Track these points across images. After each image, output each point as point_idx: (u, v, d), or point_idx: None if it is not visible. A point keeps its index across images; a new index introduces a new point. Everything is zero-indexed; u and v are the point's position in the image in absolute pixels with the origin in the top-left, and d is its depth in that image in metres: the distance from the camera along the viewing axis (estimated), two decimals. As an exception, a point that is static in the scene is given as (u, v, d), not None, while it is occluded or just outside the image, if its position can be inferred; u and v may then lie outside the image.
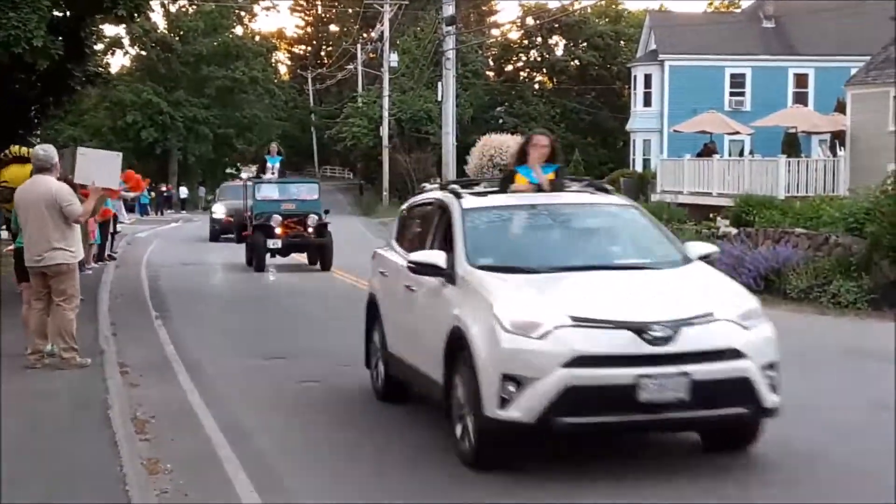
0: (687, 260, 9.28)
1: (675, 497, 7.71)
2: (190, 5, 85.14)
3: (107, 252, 27.55)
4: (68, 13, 21.05)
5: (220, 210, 40.53)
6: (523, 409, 7.79)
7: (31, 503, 7.30)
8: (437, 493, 7.95)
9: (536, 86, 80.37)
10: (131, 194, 29.44)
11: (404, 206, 12.05)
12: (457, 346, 8.47)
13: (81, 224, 12.59)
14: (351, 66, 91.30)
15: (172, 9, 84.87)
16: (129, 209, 44.66)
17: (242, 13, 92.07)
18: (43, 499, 7.38)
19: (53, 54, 18.44)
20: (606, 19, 78.50)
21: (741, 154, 42.89)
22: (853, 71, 37.49)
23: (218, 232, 39.31)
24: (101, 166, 13.45)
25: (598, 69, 75.07)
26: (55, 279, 12.04)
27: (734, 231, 24.41)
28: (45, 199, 11.84)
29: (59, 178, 12.30)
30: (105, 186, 13.42)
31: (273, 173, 28.51)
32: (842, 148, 33.58)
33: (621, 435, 8.91)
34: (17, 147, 16.98)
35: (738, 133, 43.49)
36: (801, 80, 55.05)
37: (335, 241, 26.81)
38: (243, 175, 64.39)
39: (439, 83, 42.48)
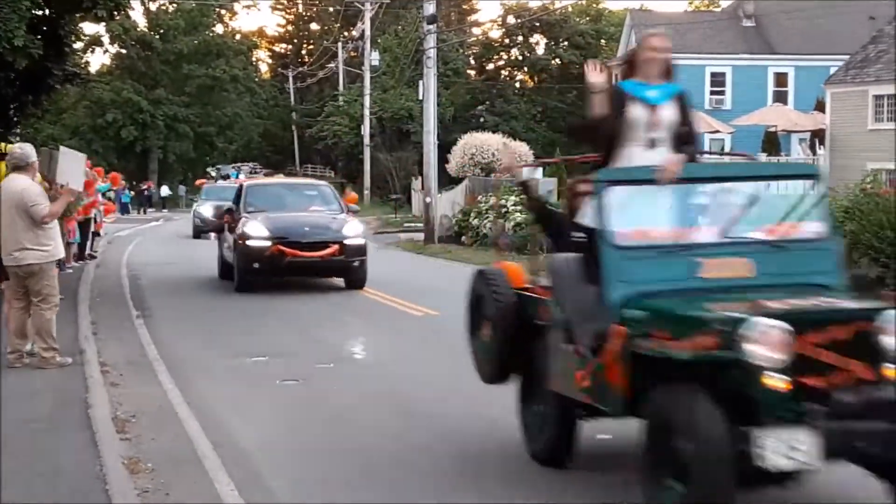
0: None
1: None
2: (170, 3, 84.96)
3: (87, 251, 27.49)
4: (48, 11, 20.96)
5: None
6: None
7: (10, 503, 7.28)
8: (423, 492, 7.97)
9: (518, 84, 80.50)
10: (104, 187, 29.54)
11: None
12: None
13: (53, 223, 12.49)
14: (332, 65, 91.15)
15: (152, 7, 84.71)
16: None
17: (223, 11, 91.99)
18: (23, 499, 7.36)
19: (33, 53, 18.37)
20: (587, 18, 78.68)
21: (721, 152, 43.01)
22: (833, 70, 37.69)
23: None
24: (73, 166, 13.45)
25: (580, 68, 74.97)
26: (29, 279, 11.99)
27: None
28: (14, 199, 11.79)
29: (39, 178, 12.26)
30: (73, 187, 13.39)
31: None
32: (821, 146, 33.77)
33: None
34: (3, 144, 16.96)
35: (718, 132, 43.61)
36: (780, 78, 55.26)
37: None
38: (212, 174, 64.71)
39: (420, 82, 42.47)
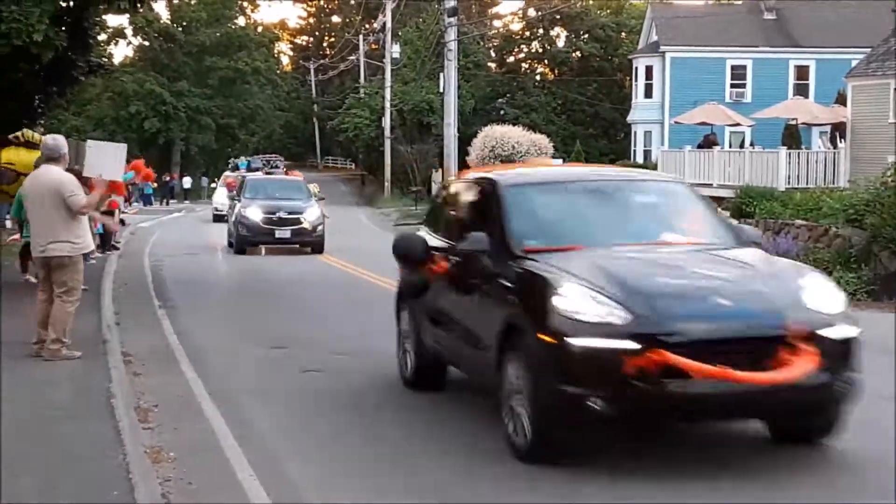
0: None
1: (672, 494, 7.75)
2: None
3: (112, 241, 27.64)
4: (72, 4, 21.08)
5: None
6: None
7: (34, 491, 7.36)
8: (443, 480, 8.03)
9: (538, 77, 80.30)
10: (140, 184, 29.92)
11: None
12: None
13: (87, 215, 12.57)
14: (353, 57, 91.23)
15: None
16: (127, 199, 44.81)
17: (245, 3, 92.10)
18: (46, 487, 7.44)
19: (57, 45, 18.47)
20: (608, 10, 78.45)
21: (741, 146, 42.94)
22: (854, 63, 37.53)
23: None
24: (108, 158, 13.47)
25: (600, 60, 75.02)
26: (57, 271, 11.99)
27: (735, 222, 24.45)
28: (50, 190, 11.79)
29: (66, 170, 12.30)
30: (111, 179, 13.42)
31: None
32: (842, 140, 33.62)
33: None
34: (30, 132, 16.98)
35: (738, 125, 43.55)
36: (801, 71, 55.03)
37: (338, 232, 27.12)
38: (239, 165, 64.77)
39: (441, 74, 42.53)
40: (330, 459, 8.71)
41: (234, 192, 33.91)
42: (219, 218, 42.33)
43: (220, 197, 45.32)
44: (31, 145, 16.63)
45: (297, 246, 29.63)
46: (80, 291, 12.47)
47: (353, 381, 11.83)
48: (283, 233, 29.28)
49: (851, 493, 7.77)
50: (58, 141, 12.37)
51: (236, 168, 60.80)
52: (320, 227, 29.68)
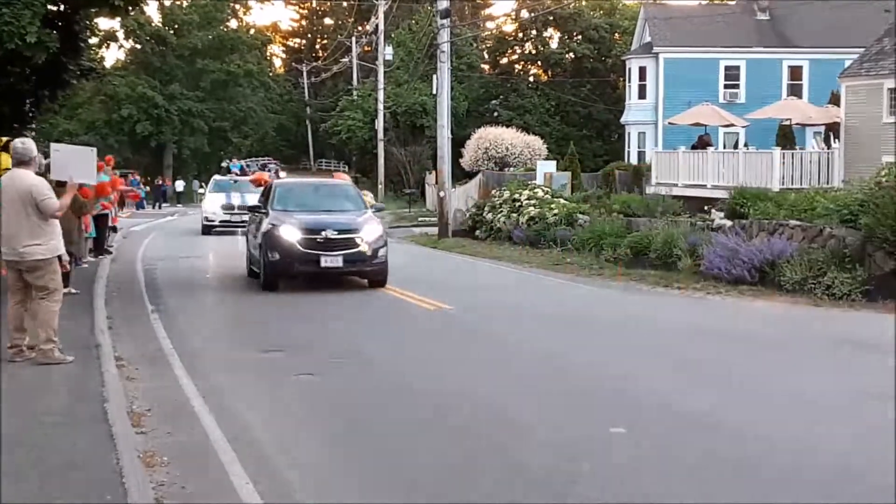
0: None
1: (670, 495, 7.74)
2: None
3: (105, 245, 27.59)
4: (62, 7, 21.04)
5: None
6: None
7: (27, 496, 7.32)
8: (437, 485, 8.00)
9: (531, 78, 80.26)
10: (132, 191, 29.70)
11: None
12: None
13: (71, 218, 12.49)
14: (346, 60, 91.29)
15: (167, 2, 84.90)
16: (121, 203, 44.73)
17: (237, 6, 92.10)
18: (39, 492, 7.40)
19: (49, 47, 18.44)
20: (601, 12, 78.47)
21: (735, 146, 42.89)
22: (847, 63, 37.54)
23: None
24: (77, 162, 13.38)
25: (593, 62, 75.03)
26: (32, 274, 11.97)
27: (729, 223, 24.44)
28: (22, 194, 11.77)
29: (36, 173, 12.26)
30: (81, 182, 13.34)
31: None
32: (836, 140, 33.64)
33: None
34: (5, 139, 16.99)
35: (732, 125, 43.52)
36: (795, 72, 55.07)
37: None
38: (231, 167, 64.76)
39: (434, 76, 42.48)
40: (324, 463, 8.68)
41: (261, 197, 24.91)
42: (209, 229, 40.60)
43: (212, 205, 42.00)
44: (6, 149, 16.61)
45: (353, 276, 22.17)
46: (62, 291, 12.43)
47: (348, 386, 11.80)
48: (333, 260, 21.17)
49: (851, 494, 7.73)
50: (27, 145, 12.34)
51: (228, 171, 60.54)
52: (383, 251, 21.75)
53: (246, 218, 26.01)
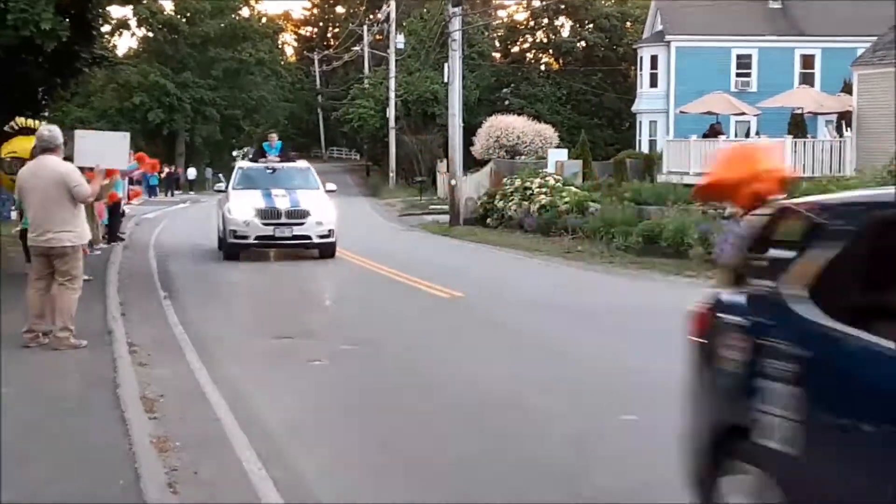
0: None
1: (671, 495, 7.73)
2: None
3: (117, 232, 27.65)
4: (76, -6, 21.07)
5: None
6: None
7: (40, 481, 7.36)
8: (447, 475, 8.02)
9: (543, 67, 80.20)
10: (138, 172, 29.48)
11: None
12: None
13: (88, 205, 12.56)
14: (357, 48, 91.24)
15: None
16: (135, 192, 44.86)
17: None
18: (52, 476, 7.43)
19: (61, 35, 18.48)
20: (613, 0, 78.36)
21: (747, 135, 42.85)
22: (860, 51, 37.43)
23: None
24: (106, 147, 13.41)
25: (605, 50, 74.94)
26: (59, 260, 12.01)
27: (740, 212, 24.40)
28: (54, 180, 11.79)
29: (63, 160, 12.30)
30: (111, 168, 13.39)
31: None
32: (848, 128, 33.57)
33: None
34: (23, 119, 16.99)
35: (744, 114, 43.44)
36: (807, 60, 54.92)
37: (341, 221, 26.46)
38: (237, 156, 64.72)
39: (445, 64, 42.45)
40: (335, 449, 8.70)
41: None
42: (237, 250, 26.83)
43: (242, 209, 25.72)
44: (26, 131, 16.61)
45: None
46: (82, 279, 12.49)
47: (360, 373, 11.83)
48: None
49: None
50: (53, 132, 12.37)
51: (262, 153, 56.00)
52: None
53: (300, 232, 24.43)
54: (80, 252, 12.30)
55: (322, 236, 24.60)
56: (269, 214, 24.41)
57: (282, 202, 24.69)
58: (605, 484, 7.64)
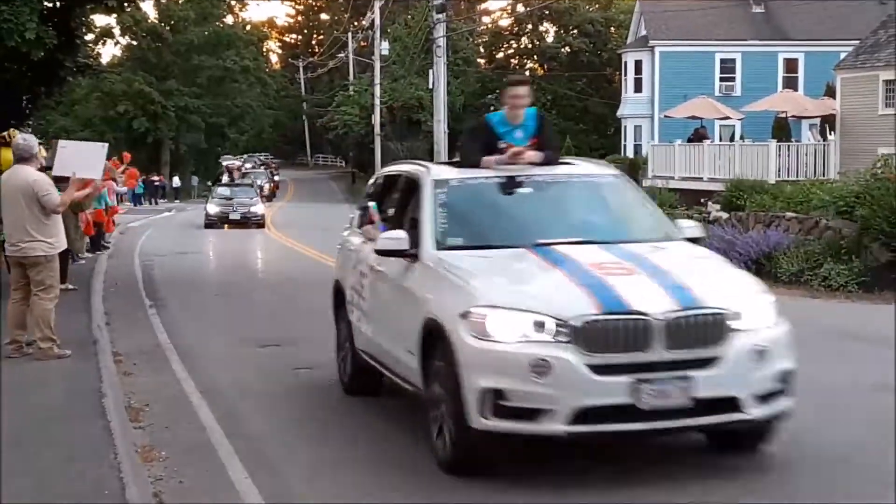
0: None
1: (672, 492, 7.73)
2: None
3: (102, 241, 27.60)
4: (59, 3, 21.04)
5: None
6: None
7: (25, 492, 7.33)
8: (438, 480, 7.99)
9: (527, 73, 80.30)
10: (123, 189, 29.57)
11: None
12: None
13: (69, 214, 12.51)
14: (342, 55, 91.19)
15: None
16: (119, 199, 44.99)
17: (233, 2, 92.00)
18: (38, 486, 7.42)
19: (47, 44, 18.45)
20: (597, 6, 78.53)
21: (732, 139, 42.95)
22: (843, 55, 37.57)
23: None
24: (83, 158, 13.38)
25: (589, 56, 75.06)
26: (33, 269, 11.98)
27: (725, 216, 24.50)
28: (23, 190, 11.78)
29: (39, 169, 12.27)
30: (87, 178, 13.34)
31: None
32: (832, 132, 33.68)
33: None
34: (13, 130, 16.94)
35: (728, 118, 43.56)
36: (790, 64, 55.08)
37: (329, 229, 26.67)
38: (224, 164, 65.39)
39: (430, 71, 42.50)
40: (322, 458, 8.69)
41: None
42: None
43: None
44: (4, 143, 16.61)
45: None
46: (58, 289, 12.45)
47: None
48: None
49: (850, 484, 7.75)
50: (28, 141, 12.38)
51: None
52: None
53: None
54: (55, 262, 12.22)
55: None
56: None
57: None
58: (598, 487, 7.63)
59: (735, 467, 8.05)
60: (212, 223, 43.83)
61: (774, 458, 8.29)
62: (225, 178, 60.61)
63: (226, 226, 43.09)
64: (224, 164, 68.09)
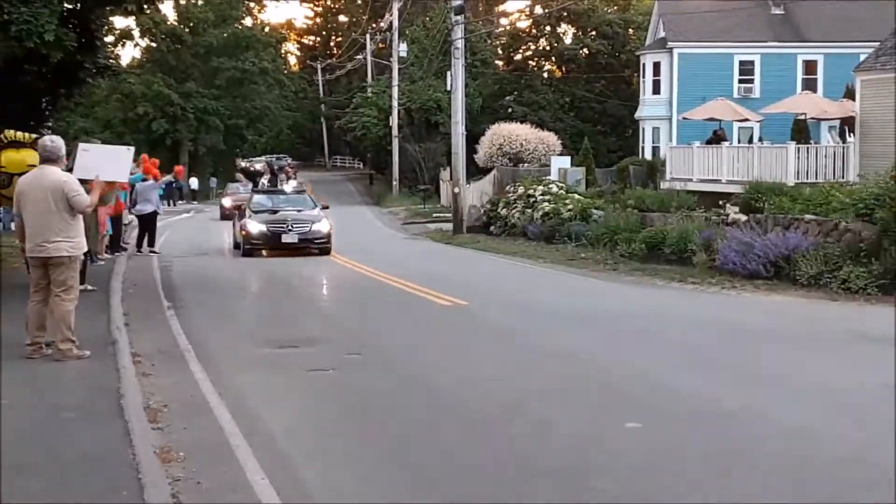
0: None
1: (685, 489, 7.74)
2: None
3: (121, 242, 27.70)
4: (79, 6, 21.11)
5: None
6: None
7: (43, 491, 7.36)
8: (453, 482, 8.01)
9: (546, 74, 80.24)
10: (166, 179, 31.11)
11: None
12: None
13: (89, 215, 12.55)
14: (360, 57, 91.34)
15: (182, 0, 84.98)
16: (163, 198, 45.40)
17: (252, 4, 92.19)
18: (57, 487, 7.43)
19: (67, 46, 18.51)
20: (615, 7, 78.42)
21: (750, 141, 42.83)
22: (862, 57, 37.40)
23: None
24: (107, 161, 13.42)
25: (607, 57, 74.92)
26: (56, 270, 12.02)
27: (744, 218, 24.42)
28: (53, 190, 11.83)
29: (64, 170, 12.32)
30: (112, 180, 13.38)
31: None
32: (851, 134, 33.51)
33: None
34: (11, 132, 17.00)
35: (747, 120, 43.40)
36: (809, 66, 54.90)
37: (347, 231, 26.92)
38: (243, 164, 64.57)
39: (448, 73, 42.47)
40: (339, 458, 8.69)
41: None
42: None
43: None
44: (15, 144, 16.64)
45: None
46: (78, 290, 12.48)
47: (363, 381, 11.82)
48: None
49: (867, 485, 7.72)
50: (56, 142, 12.38)
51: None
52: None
53: None
54: (77, 263, 12.28)
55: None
56: None
57: None
58: (608, 489, 7.62)
59: (750, 464, 8.04)
60: (254, 248, 29.63)
61: (788, 458, 8.28)
62: (264, 182, 45.13)
63: (268, 252, 29.71)
64: (255, 164, 55.19)
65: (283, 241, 29.20)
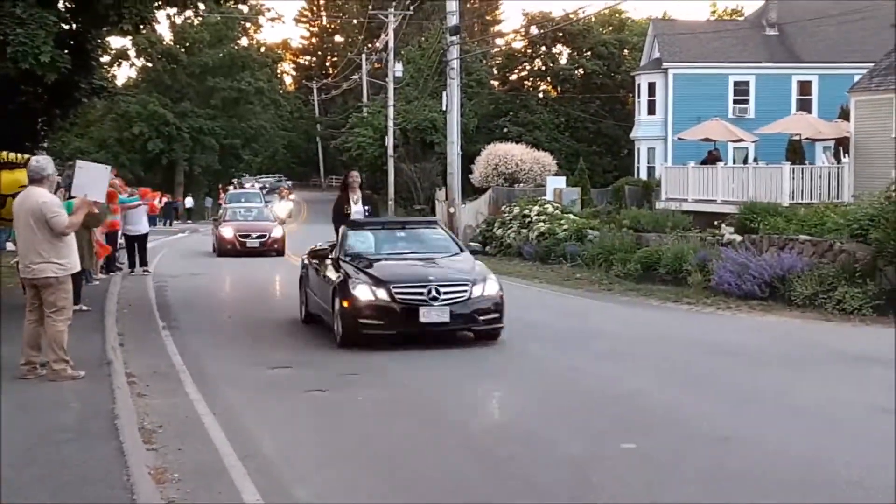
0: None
1: (672, 495, 7.74)
2: (195, 17, 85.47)
3: (116, 262, 27.67)
4: (74, 26, 21.16)
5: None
6: None
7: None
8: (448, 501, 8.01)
9: (541, 94, 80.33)
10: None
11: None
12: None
13: (82, 235, 12.55)
14: (356, 77, 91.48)
15: (178, 21, 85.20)
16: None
17: (248, 24, 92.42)
18: (51, 508, 7.44)
19: (61, 68, 18.53)
20: (610, 28, 78.59)
21: (745, 161, 42.86)
22: (857, 77, 37.52)
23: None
24: (93, 179, 13.45)
25: (603, 78, 75.06)
26: (45, 291, 12.02)
27: (739, 238, 24.44)
28: (33, 211, 11.84)
29: (54, 191, 12.32)
30: (95, 199, 13.39)
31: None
32: (846, 155, 33.59)
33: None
34: (5, 153, 17.02)
35: (742, 140, 43.46)
36: (804, 87, 55.04)
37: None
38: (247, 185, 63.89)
39: (444, 93, 42.53)
40: (334, 480, 8.68)
41: None
42: None
43: None
44: (8, 165, 16.67)
45: None
46: (71, 310, 12.46)
47: (359, 402, 11.81)
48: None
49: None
50: (41, 162, 12.39)
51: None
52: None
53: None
54: (67, 284, 12.24)
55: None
56: None
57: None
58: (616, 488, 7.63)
59: (745, 486, 8.03)
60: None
61: (785, 479, 8.27)
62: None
63: None
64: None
65: None
